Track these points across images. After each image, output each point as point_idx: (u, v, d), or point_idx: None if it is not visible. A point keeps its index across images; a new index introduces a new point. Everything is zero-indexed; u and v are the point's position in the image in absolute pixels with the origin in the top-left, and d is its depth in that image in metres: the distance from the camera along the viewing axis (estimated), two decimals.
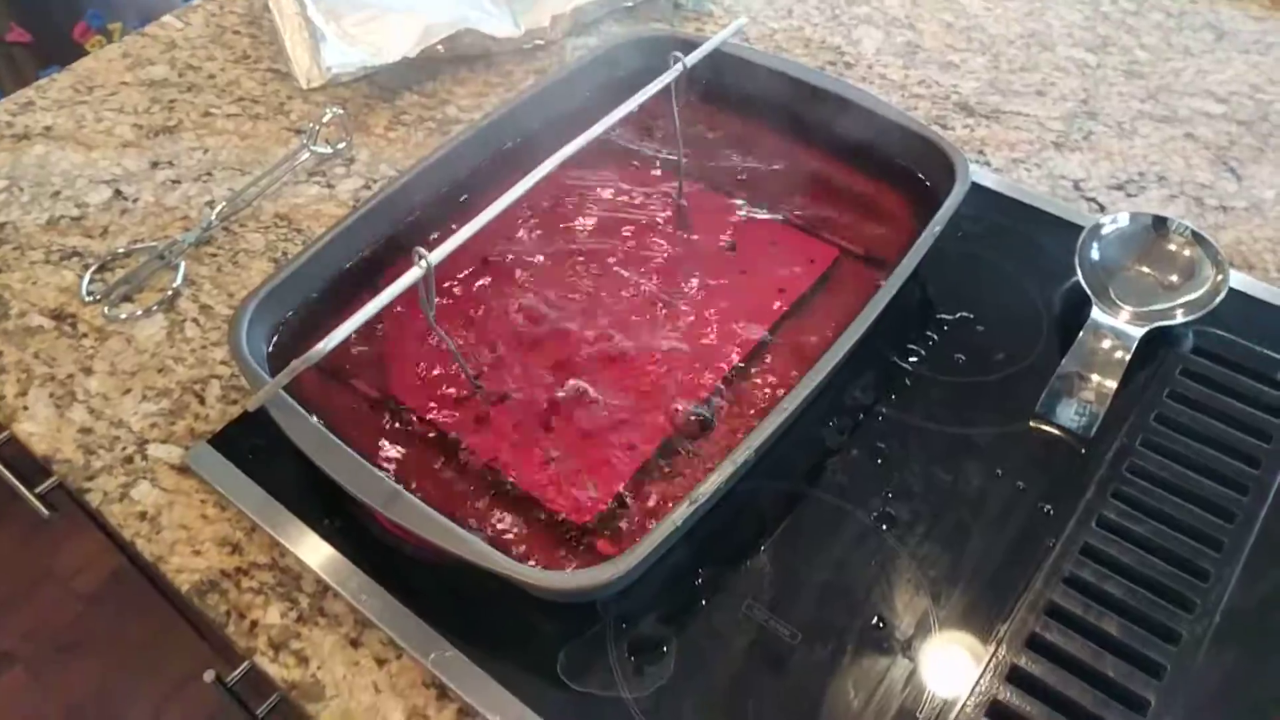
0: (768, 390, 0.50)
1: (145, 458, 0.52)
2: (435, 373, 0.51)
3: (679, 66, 0.52)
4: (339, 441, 0.44)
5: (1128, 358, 0.50)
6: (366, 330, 0.53)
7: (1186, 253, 0.55)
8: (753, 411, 0.49)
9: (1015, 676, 0.42)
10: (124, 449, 0.52)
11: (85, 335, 0.58)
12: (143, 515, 0.50)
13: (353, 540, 0.47)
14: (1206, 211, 0.61)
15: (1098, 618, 0.43)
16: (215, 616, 0.46)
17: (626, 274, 0.55)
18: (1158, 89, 0.70)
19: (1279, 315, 0.55)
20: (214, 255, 0.62)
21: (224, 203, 0.64)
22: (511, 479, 0.47)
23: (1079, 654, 0.42)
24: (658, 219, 0.58)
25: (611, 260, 0.56)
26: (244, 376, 0.47)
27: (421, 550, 0.46)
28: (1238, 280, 0.55)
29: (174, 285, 0.60)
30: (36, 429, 0.54)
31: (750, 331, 0.52)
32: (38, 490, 0.61)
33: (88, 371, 0.56)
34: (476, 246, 0.55)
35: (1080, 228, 0.58)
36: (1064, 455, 0.49)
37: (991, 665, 0.42)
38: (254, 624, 0.46)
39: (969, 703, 0.41)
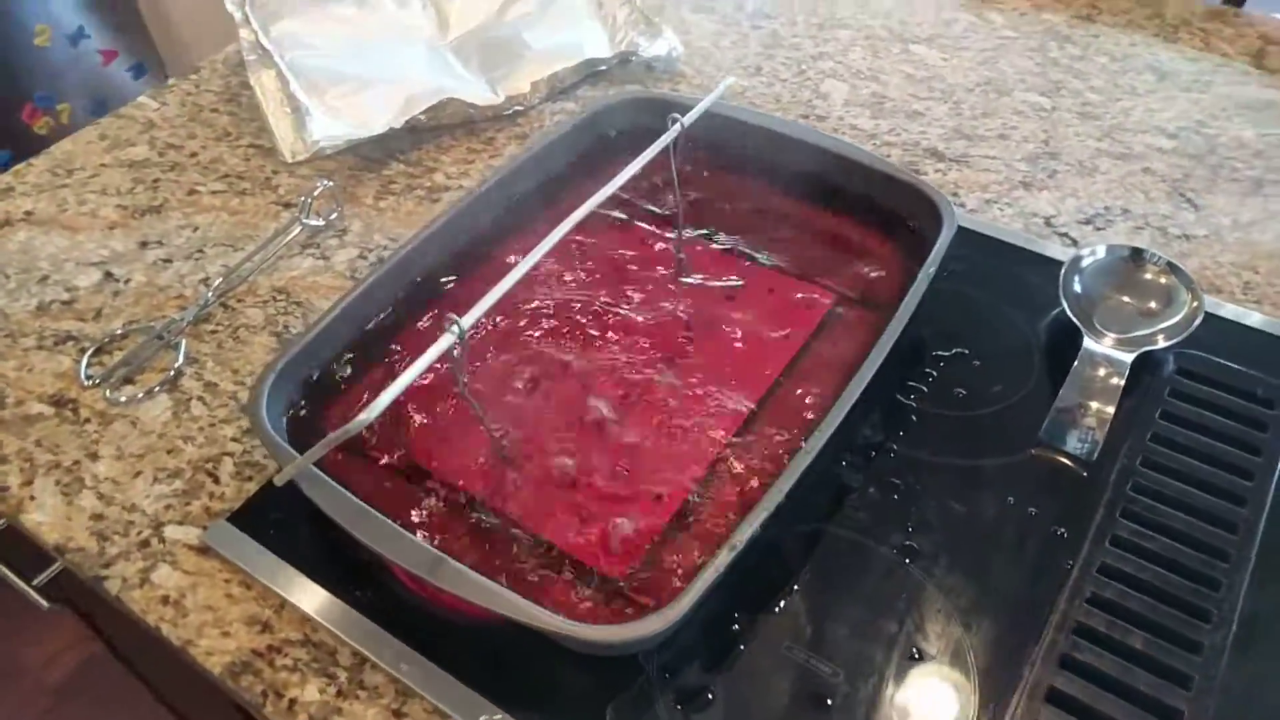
0: (785, 434, 0.51)
1: (162, 540, 0.51)
2: (457, 437, 0.52)
3: (677, 126, 0.54)
4: (375, 511, 0.44)
5: (1121, 383, 0.53)
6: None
7: (1162, 280, 0.58)
8: (773, 457, 0.50)
9: (1053, 697, 0.43)
10: (139, 533, 0.52)
11: (88, 420, 0.57)
12: (166, 599, 0.49)
13: (387, 609, 0.47)
14: (1171, 240, 0.65)
15: (1123, 634, 0.45)
16: (251, 698, 0.45)
17: (638, 326, 0.56)
18: (1111, 128, 0.74)
19: (1252, 334, 0.58)
20: (214, 332, 0.62)
21: (220, 279, 0.64)
22: (543, 537, 0.47)
23: (1110, 670, 0.44)
24: (658, 273, 0.60)
25: (621, 314, 0.57)
26: (270, 452, 0.47)
27: (459, 614, 0.46)
28: (1210, 304, 0.59)
29: (176, 364, 0.59)
30: (45, 518, 0.53)
31: (760, 379, 0.54)
32: (36, 583, 0.60)
33: (94, 457, 0.55)
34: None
35: (1056, 261, 0.61)
36: (1070, 480, 0.51)
37: (1029, 687, 0.43)
38: (292, 703, 0.45)
39: (1021, 708, 0.42)
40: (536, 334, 0.56)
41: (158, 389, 0.58)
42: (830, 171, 0.61)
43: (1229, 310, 0.59)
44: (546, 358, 0.55)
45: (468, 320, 0.43)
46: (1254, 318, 0.59)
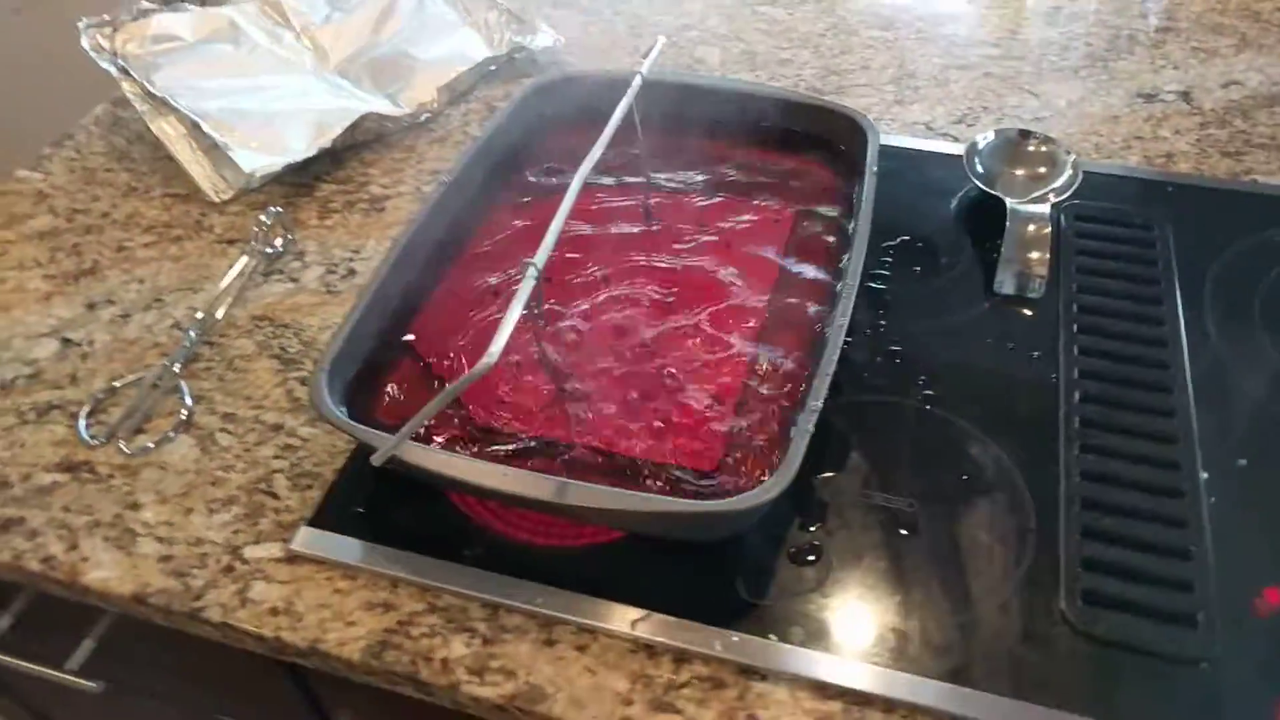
0: (800, 322, 0.57)
1: (245, 561, 0.51)
2: (508, 387, 0.55)
3: (637, 80, 0.60)
4: (484, 462, 0.47)
5: (1049, 231, 0.63)
6: (420, 372, 0.56)
7: (1044, 150, 0.69)
8: (797, 341, 0.56)
9: (1086, 474, 0.52)
10: (219, 561, 0.51)
11: (111, 476, 0.55)
12: (274, 611, 0.49)
13: (499, 558, 0.50)
14: (1029, 124, 0.77)
15: (1115, 418, 0.54)
16: (402, 670, 0.47)
17: (636, 269, 0.61)
18: (946, 47, 0.86)
19: (1116, 181, 0.70)
20: (209, 369, 0.61)
21: (195, 320, 0.63)
22: (626, 454, 0.51)
23: (1115, 444, 0.53)
24: (632, 223, 0.65)
25: (617, 262, 0.62)
26: (360, 440, 0.48)
27: (568, 546, 0.50)
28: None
29: (187, 405, 0.58)
30: (110, 573, 0.51)
31: (761, 286, 0.60)
32: (70, 667, 0.57)
33: (135, 507, 0.54)
34: (484, 276, 0.60)
35: (949, 155, 0.71)
36: (1030, 316, 0.61)
37: (1066, 470, 0.52)
38: (444, 661, 0.47)
39: (1063, 502, 0.51)
40: (549, 290, 0.60)
41: (174, 432, 0.57)
42: (760, 113, 0.68)
43: (1097, 165, 0.71)
44: (567, 308, 0.59)
45: (540, 259, 0.47)
46: (1111, 167, 0.72)
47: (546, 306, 0.59)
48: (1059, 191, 0.67)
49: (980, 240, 0.66)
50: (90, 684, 0.57)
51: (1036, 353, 0.59)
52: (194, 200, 0.73)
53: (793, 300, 0.59)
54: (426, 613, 0.49)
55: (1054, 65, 0.83)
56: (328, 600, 0.49)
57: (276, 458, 0.56)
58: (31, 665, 0.58)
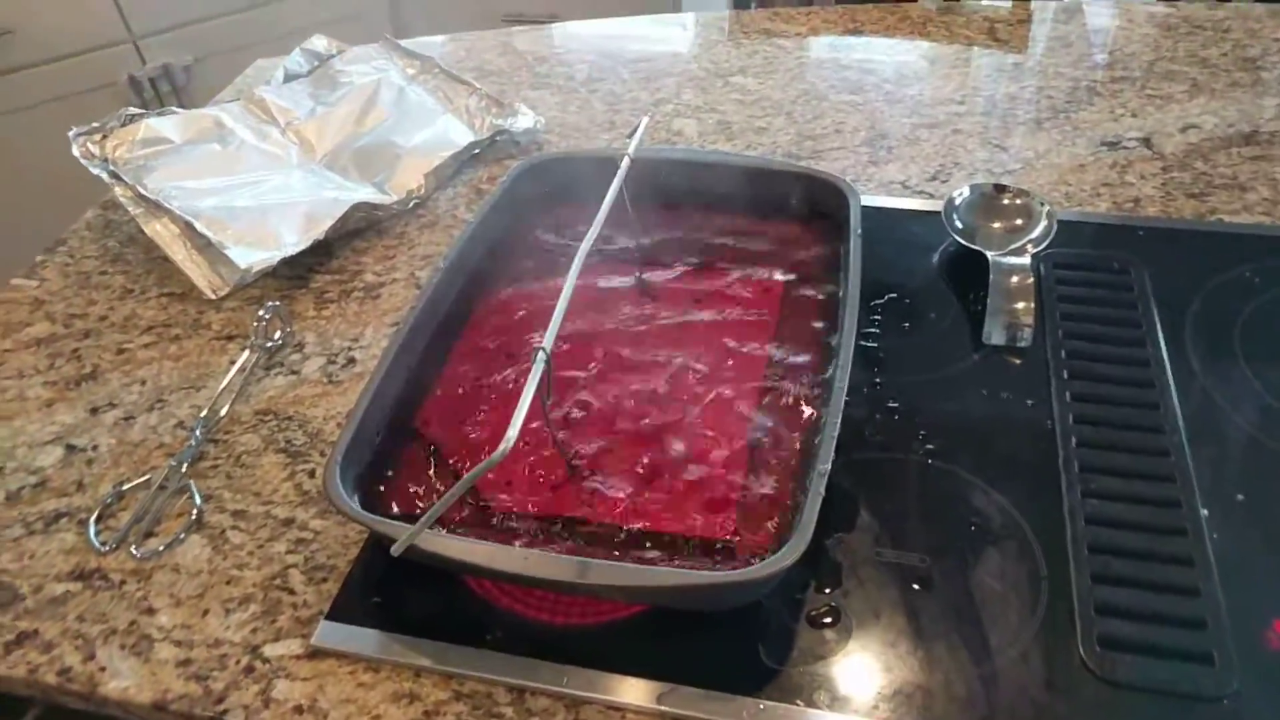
0: (798, 390, 0.59)
1: (265, 660, 0.51)
2: (515, 473, 0.55)
3: (625, 160, 0.61)
4: (502, 546, 0.47)
5: (1032, 281, 0.65)
6: (427, 462, 0.56)
7: (1019, 202, 0.72)
8: (794, 409, 0.57)
9: (1090, 518, 0.53)
10: (239, 662, 0.51)
11: (124, 582, 0.55)
12: (299, 709, 0.49)
13: (522, 640, 0.50)
14: (1000, 177, 0.79)
15: (1111, 459, 0.56)
16: None
17: (630, 341, 0.63)
18: (914, 107, 0.89)
19: (1088, 228, 0.73)
20: (215, 467, 0.61)
21: (199, 419, 0.63)
22: (642, 527, 0.52)
23: (1121, 489, 0.54)
24: (627, 297, 0.66)
25: (617, 334, 0.63)
26: (374, 530, 0.49)
27: (587, 623, 0.50)
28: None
29: (197, 505, 0.58)
30: (129, 682, 0.50)
31: (757, 352, 0.61)
32: None
33: (149, 612, 0.54)
34: (489, 359, 0.61)
35: (927, 212, 0.74)
36: (1020, 365, 0.63)
37: (1070, 515, 0.53)
38: None
39: (1071, 547, 0.52)
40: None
41: (184, 533, 0.57)
42: (742, 182, 0.70)
43: (1070, 215, 0.74)
44: (569, 383, 0.60)
45: (548, 343, 0.48)
46: (1082, 215, 0.74)
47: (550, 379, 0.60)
48: (1036, 242, 0.69)
49: (965, 293, 0.68)
50: None
51: (1030, 401, 0.60)
52: (190, 299, 0.74)
53: (790, 363, 0.61)
54: (452, 700, 0.49)
55: (1018, 119, 0.86)
56: (352, 695, 0.49)
57: (290, 552, 0.56)
58: None
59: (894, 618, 0.50)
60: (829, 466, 0.49)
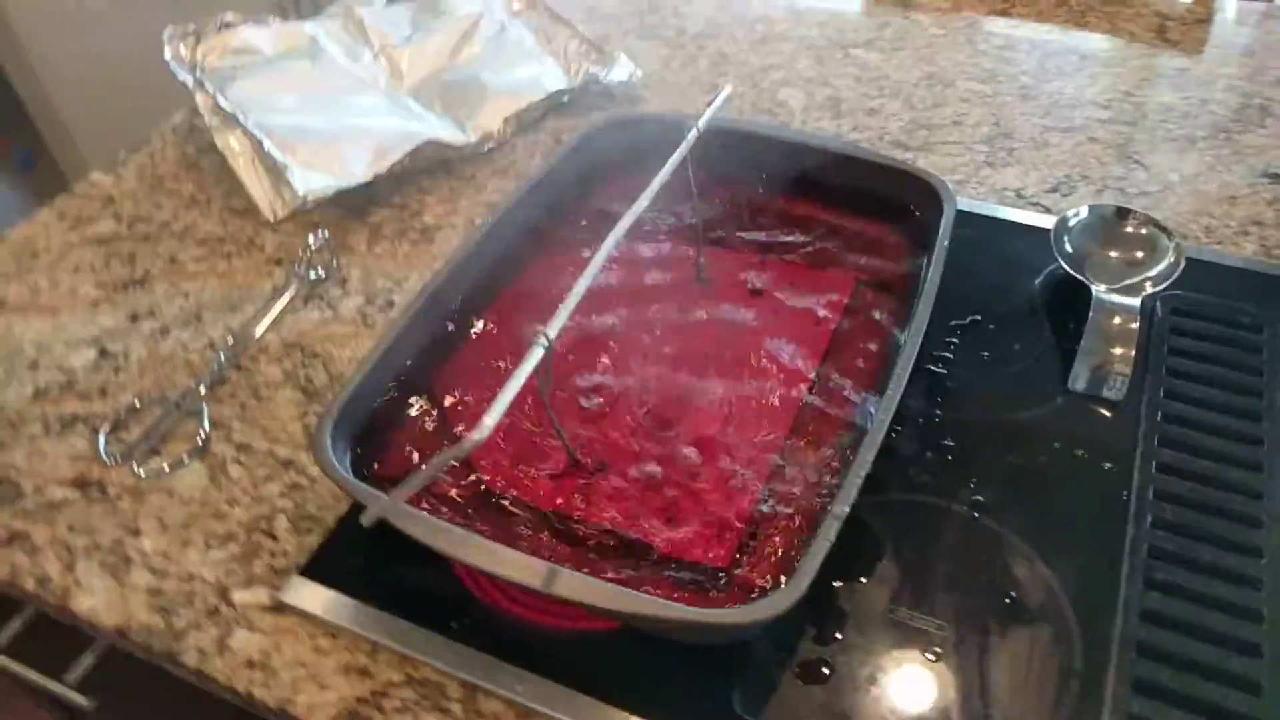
0: (841, 412, 0.53)
1: (232, 606, 0.49)
2: (520, 456, 0.52)
3: (693, 133, 0.56)
4: (476, 535, 0.44)
5: (1136, 326, 0.57)
6: (433, 429, 0.53)
7: (1144, 232, 0.62)
8: (831, 432, 0.52)
9: (1147, 616, 0.46)
10: (205, 601, 0.50)
11: (120, 498, 0.55)
12: (250, 663, 0.47)
13: (486, 634, 0.47)
14: (1132, 198, 0.70)
15: (1191, 549, 0.48)
16: None
17: (675, 331, 0.58)
18: (1050, 106, 0.79)
19: (1225, 271, 0.63)
20: (233, 395, 0.60)
21: (228, 342, 0.62)
22: (636, 537, 0.48)
23: (1191, 584, 0.46)
24: (681, 280, 0.61)
25: (656, 324, 0.58)
26: (351, 495, 0.46)
27: (560, 630, 0.46)
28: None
29: (203, 431, 0.57)
30: (97, 602, 0.50)
31: (806, 364, 0.55)
32: (68, 678, 0.56)
33: (135, 533, 0.53)
34: (519, 328, 0.57)
35: (1037, 228, 0.65)
36: (1105, 420, 0.55)
37: (1123, 610, 0.46)
38: None
39: (1116, 645, 0.45)
40: (578, 348, 0.57)
41: (187, 458, 0.56)
42: (829, 169, 0.64)
43: (1206, 253, 0.64)
44: (596, 370, 0.56)
45: (553, 330, 0.44)
46: (1221, 256, 0.64)
47: (578, 365, 0.56)
48: (1157, 279, 0.60)
49: (1063, 328, 0.60)
50: (82, 699, 0.56)
51: (1108, 464, 0.52)
52: (250, 217, 0.73)
53: (839, 381, 0.55)
54: (403, 685, 0.46)
55: (1169, 134, 0.76)
56: (306, 658, 0.47)
57: (283, 495, 0.54)
58: (32, 673, 0.58)
59: (894, 687, 0.44)
60: (847, 510, 0.44)
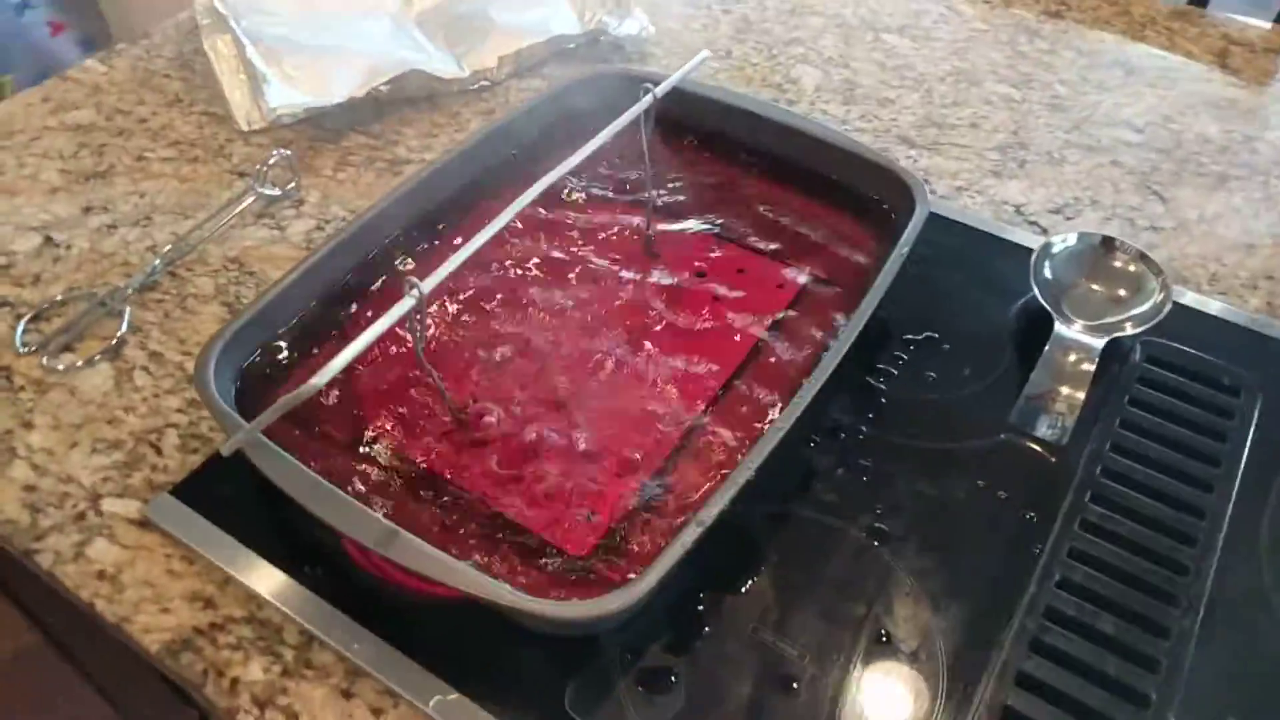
0: (752, 413, 0.50)
1: (100, 514, 0.49)
2: (413, 409, 0.50)
3: (649, 97, 0.53)
4: (326, 483, 0.42)
5: (1092, 369, 0.53)
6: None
7: (1132, 269, 0.58)
8: (739, 435, 0.49)
9: (1022, 681, 0.42)
10: (75, 505, 0.49)
11: (22, 388, 0.54)
12: (101, 575, 0.46)
13: (337, 586, 0.45)
14: (1139, 231, 0.65)
15: (1092, 618, 0.44)
16: (191, 677, 0.43)
17: (601, 305, 0.55)
18: (1080, 120, 0.74)
19: (1218, 324, 0.58)
20: (160, 301, 0.59)
21: (169, 246, 0.61)
22: (503, 513, 0.46)
23: (1079, 654, 0.43)
24: (625, 252, 0.58)
25: (585, 292, 0.56)
26: (217, 420, 0.45)
27: (413, 593, 0.44)
28: (1178, 294, 0.58)
29: (120, 333, 0.56)
30: None
31: (728, 357, 0.52)
32: None
33: (28, 426, 0.52)
34: (449, 281, 0.55)
35: (1026, 249, 0.60)
36: (1040, 464, 0.51)
37: (998, 670, 0.43)
38: (234, 682, 0.43)
39: (981, 709, 0.41)
40: (499, 308, 0.55)
41: (99, 358, 0.56)
42: (803, 152, 0.60)
43: (1195, 300, 0.59)
44: (509, 333, 0.53)
45: (428, 284, 0.41)
46: (1219, 308, 0.59)
47: (494, 324, 0.53)
48: (1137, 321, 0.56)
49: (1028, 361, 0.55)
50: None
51: (1030, 513, 0.49)
52: (225, 124, 0.72)
53: (761, 380, 0.52)
54: (243, 622, 0.45)
55: (1199, 169, 0.70)
56: (156, 579, 0.46)
57: (179, 411, 0.53)
58: None
59: (733, 708, 0.42)
60: (711, 518, 0.41)
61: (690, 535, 0.41)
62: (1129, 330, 0.55)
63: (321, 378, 0.38)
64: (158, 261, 0.60)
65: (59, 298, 0.59)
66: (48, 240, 0.63)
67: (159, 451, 0.51)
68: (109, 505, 0.49)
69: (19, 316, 0.58)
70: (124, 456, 0.51)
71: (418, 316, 0.42)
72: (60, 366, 0.55)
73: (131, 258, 0.62)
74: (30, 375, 0.55)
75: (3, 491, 0.49)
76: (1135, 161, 0.70)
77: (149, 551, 0.47)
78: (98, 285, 0.60)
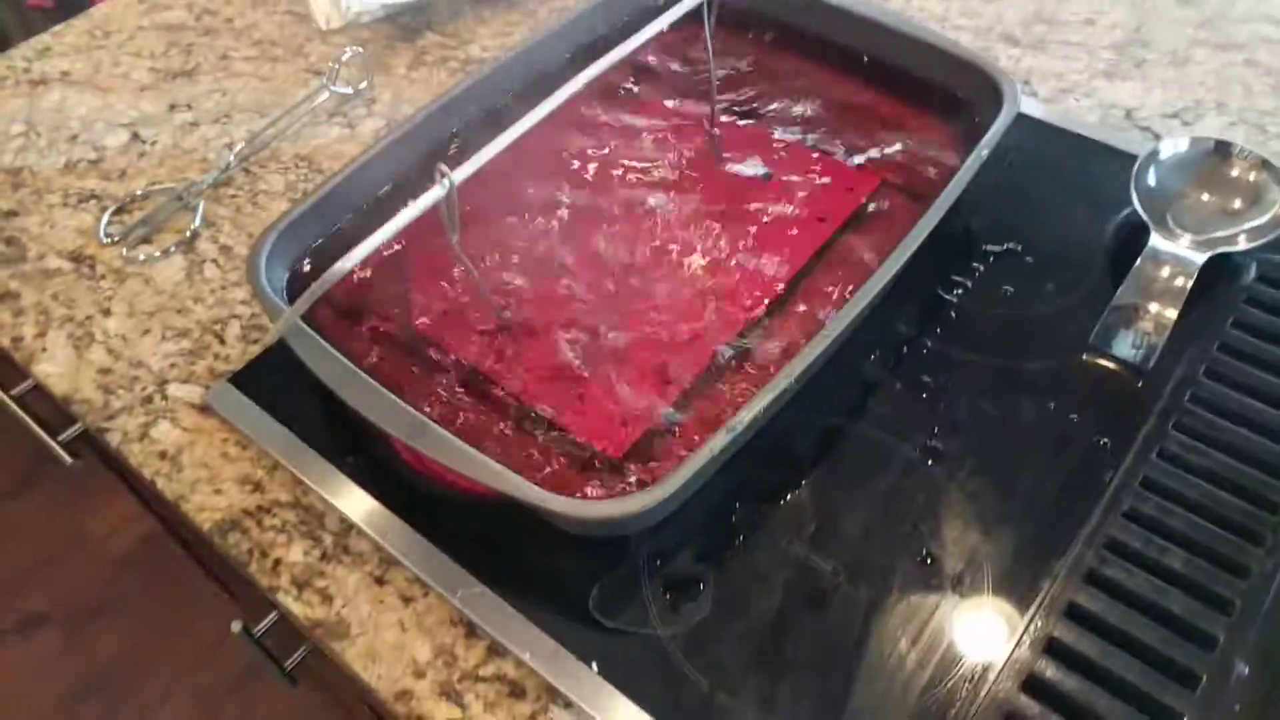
0: (810, 321, 0.47)
1: (165, 397, 0.51)
2: (458, 305, 0.49)
3: None
4: (362, 373, 0.42)
5: (1189, 285, 0.48)
6: (388, 264, 0.51)
7: (1251, 177, 0.52)
8: (793, 342, 0.47)
9: (1073, 613, 0.39)
10: (143, 389, 0.51)
11: (103, 277, 0.57)
12: (163, 455, 0.48)
13: (377, 478, 0.46)
14: (1269, 139, 0.58)
15: (1160, 553, 0.41)
16: (237, 555, 0.45)
17: (661, 205, 0.53)
18: (1213, 15, 0.66)
19: None
20: (233, 196, 0.60)
21: (243, 144, 0.62)
22: (541, 411, 0.45)
23: (1142, 590, 0.40)
24: (690, 150, 0.56)
25: (645, 191, 0.54)
26: (263, 307, 0.46)
27: (448, 487, 0.44)
28: None
29: (193, 226, 0.58)
30: (55, 370, 0.52)
31: (791, 261, 0.50)
32: (61, 438, 0.60)
33: (106, 313, 0.55)
34: (504, 180, 0.54)
35: (1131, 156, 0.55)
36: (1121, 387, 0.47)
37: (1048, 602, 0.40)
38: (277, 562, 0.44)
39: (1023, 640, 0.39)
40: (552, 205, 0.53)
41: (173, 249, 0.57)
42: (882, 47, 0.56)
43: None
44: (560, 231, 0.52)
45: (460, 174, 0.40)
46: None
47: (552, 223, 0.52)
48: (1253, 235, 0.50)
49: (1120, 279, 0.51)
50: (69, 458, 0.61)
51: (1105, 439, 0.45)
52: (306, 23, 0.72)
53: (821, 287, 0.49)
54: (288, 506, 0.46)
55: None
56: (212, 461, 0.48)
57: (243, 303, 0.55)
58: (32, 424, 0.62)
59: (760, 626, 0.40)
60: (743, 424, 0.39)
61: (719, 441, 0.39)
62: (1241, 245, 0.50)
63: (345, 262, 0.38)
64: (232, 158, 0.61)
65: (140, 192, 0.60)
66: (135, 136, 0.65)
67: (222, 341, 0.53)
68: (174, 390, 0.51)
69: (104, 209, 0.60)
70: (190, 345, 0.53)
71: (449, 205, 0.41)
72: (139, 257, 0.57)
73: (209, 154, 0.63)
74: (111, 265, 0.57)
75: (81, 373, 0.52)
76: (1274, 60, 0.63)
77: (207, 435, 0.49)
78: (177, 180, 0.61)
